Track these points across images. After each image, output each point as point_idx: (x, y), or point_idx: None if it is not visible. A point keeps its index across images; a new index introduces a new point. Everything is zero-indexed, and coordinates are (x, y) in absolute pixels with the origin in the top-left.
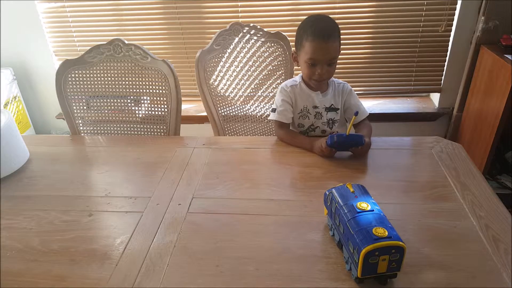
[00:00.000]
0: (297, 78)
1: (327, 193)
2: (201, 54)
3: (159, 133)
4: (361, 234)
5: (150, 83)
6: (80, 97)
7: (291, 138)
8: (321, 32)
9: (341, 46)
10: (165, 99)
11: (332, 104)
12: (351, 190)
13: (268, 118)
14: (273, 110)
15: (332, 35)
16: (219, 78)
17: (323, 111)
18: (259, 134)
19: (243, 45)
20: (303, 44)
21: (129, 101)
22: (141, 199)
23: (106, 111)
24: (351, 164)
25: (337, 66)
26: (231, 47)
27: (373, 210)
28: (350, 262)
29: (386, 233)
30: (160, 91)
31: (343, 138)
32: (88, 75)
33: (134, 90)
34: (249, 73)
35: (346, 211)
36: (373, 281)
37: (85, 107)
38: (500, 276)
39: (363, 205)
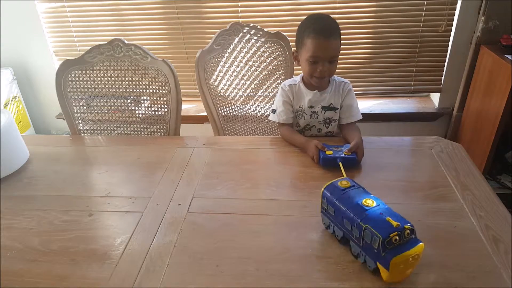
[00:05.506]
0: (297, 78)
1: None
2: (201, 54)
3: (159, 133)
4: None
5: (150, 83)
6: (80, 97)
7: (288, 136)
8: (322, 30)
9: (342, 46)
10: (165, 99)
11: (331, 104)
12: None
13: (268, 118)
14: (273, 111)
15: (333, 33)
16: (219, 78)
17: (319, 110)
18: (259, 134)
19: (243, 45)
20: (304, 42)
21: (129, 101)
22: (141, 199)
23: (106, 111)
24: None
25: (337, 66)
26: (231, 47)
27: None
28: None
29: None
30: (160, 91)
31: (335, 162)
32: (88, 75)
33: (134, 90)
34: (249, 73)
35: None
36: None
37: (85, 107)
38: (500, 276)
39: (369, 201)
